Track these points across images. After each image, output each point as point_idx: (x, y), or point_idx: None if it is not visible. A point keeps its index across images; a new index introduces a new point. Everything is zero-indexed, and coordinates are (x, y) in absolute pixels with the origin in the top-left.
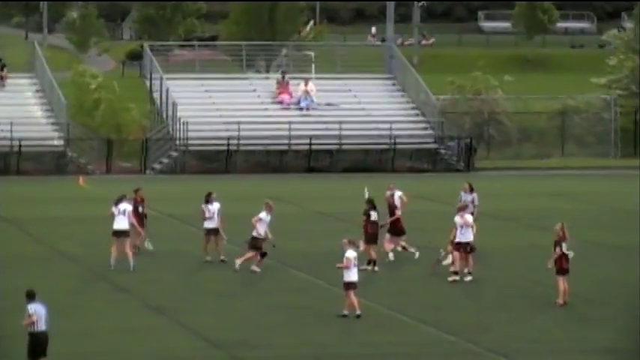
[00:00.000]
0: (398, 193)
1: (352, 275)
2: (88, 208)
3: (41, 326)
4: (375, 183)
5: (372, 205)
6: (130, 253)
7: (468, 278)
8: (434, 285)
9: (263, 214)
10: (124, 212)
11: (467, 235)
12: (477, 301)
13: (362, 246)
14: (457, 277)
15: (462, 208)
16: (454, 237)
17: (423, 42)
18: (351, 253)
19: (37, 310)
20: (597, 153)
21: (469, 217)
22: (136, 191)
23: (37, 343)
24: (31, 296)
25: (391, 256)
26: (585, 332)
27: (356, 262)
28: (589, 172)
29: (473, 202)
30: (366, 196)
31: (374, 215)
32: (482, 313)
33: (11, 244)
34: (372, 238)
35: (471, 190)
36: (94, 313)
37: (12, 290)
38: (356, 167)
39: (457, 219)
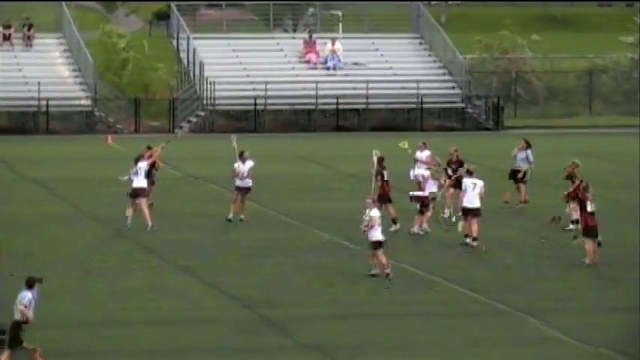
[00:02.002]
0: (426, 153)
1: (378, 234)
2: (116, 167)
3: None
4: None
5: (383, 164)
6: (147, 213)
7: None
8: (460, 244)
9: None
10: (137, 172)
11: (474, 200)
12: (504, 260)
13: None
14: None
15: (470, 172)
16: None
17: (451, 1)
18: (375, 212)
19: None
20: (625, 111)
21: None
22: (149, 148)
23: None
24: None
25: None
26: (611, 291)
27: (380, 222)
28: (616, 130)
29: (527, 159)
30: (375, 158)
31: (386, 174)
32: (509, 272)
33: (39, 204)
34: (387, 197)
35: (527, 146)
36: (122, 273)
37: (40, 250)
38: (384, 126)
39: (466, 180)
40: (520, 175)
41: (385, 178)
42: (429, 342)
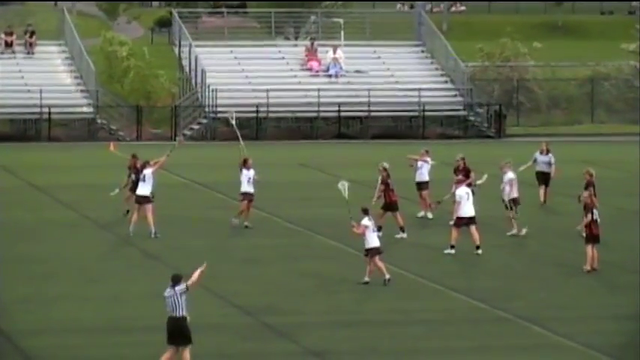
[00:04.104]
0: (427, 159)
1: (373, 241)
2: (118, 174)
3: (169, 312)
4: (405, 149)
5: (388, 174)
6: (151, 219)
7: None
8: (463, 252)
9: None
10: (144, 178)
11: (469, 210)
12: (506, 268)
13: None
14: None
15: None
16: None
17: (453, 9)
18: (366, 221)
19: (165, 295)
20: (627, 119)
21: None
22: (133, 157)
23: (167, 328)
24: (172, 280)
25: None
26: (615, 299)
27: (374, 229)
28: (619, 138)
29: (549, 162)
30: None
31: (391, 184)
32: (511, 280)
33: (42, 211)
34: (394, 206)
35: (547, 151)
36: (124, 280)
37: (44, 256)
38: (386, 134)
39: (460, 190)
40: (546, 177)
41: (391, 187)
42: (432, 349)
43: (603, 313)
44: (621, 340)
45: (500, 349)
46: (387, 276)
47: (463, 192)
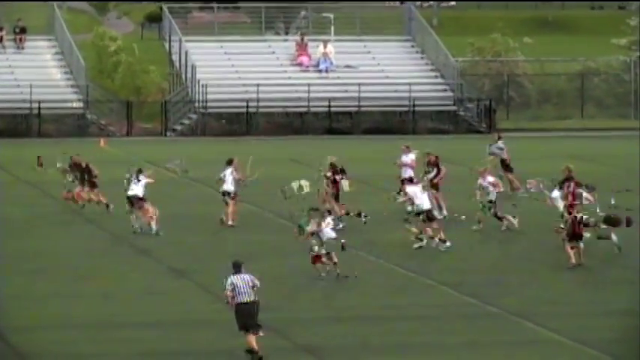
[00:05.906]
0: (412, 156)
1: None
2: (109, 170)
3: (241, 298)
4: (396, 144)
5: (336, 170)
6: (151, 218)
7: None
8: (455, 248)
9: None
10: (137, 180)
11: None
12: (497, 264)
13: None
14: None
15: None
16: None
17: (443, 4)
18: (328, 220)
19: (234, 282)
20: (617, 114)
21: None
22: (71, 158)
23: (240, 315)
24: (233, 267)
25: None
26: (606, 295)
27: (332, 224)
28: (608, 133)
29: (501, 148)
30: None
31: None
32: (502, 275)
33: (33, 207)
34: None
35: (499, 138)
36: (116, 276)
37: (35, 252)
38: (377, 128)
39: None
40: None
41: (334, 179)
42: (424, 344)
43: (594, 309)
44: (612, 336)
45: (491, 344)
46: (338, 270)
47: (417, 189)
